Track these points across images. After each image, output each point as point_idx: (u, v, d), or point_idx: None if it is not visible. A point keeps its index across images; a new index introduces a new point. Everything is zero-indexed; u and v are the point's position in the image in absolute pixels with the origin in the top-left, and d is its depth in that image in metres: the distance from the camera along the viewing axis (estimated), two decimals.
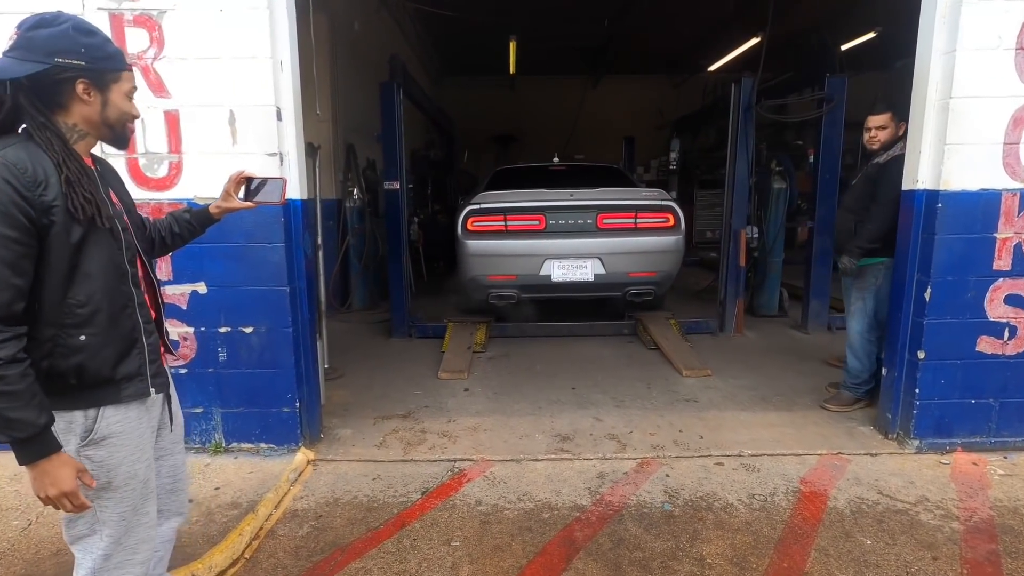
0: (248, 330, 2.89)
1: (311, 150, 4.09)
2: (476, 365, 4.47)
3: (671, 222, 4.68)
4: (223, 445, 3.00)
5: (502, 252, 4.67)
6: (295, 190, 2.88)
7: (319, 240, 4.14)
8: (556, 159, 5.89)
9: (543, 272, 4.63)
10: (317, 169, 4.10)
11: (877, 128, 3.41)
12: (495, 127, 14.50)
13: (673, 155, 9.63)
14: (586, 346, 4.96)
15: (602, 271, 4.64)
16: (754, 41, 10.51)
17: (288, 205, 2.83)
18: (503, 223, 4.68)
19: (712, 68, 12.79)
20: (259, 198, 1.73)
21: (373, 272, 6.64)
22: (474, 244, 4.70)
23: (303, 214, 2.95)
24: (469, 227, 4.71)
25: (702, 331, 5.29)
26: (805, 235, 5.92)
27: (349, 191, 6.37)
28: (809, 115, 5.05)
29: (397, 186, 5.00)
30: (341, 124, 6.38)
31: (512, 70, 12.26)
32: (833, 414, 3.47)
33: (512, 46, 10.24)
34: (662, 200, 4.73)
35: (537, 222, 4.69)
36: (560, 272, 4.62)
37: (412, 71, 7.73)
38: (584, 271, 4.61)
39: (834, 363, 4.28)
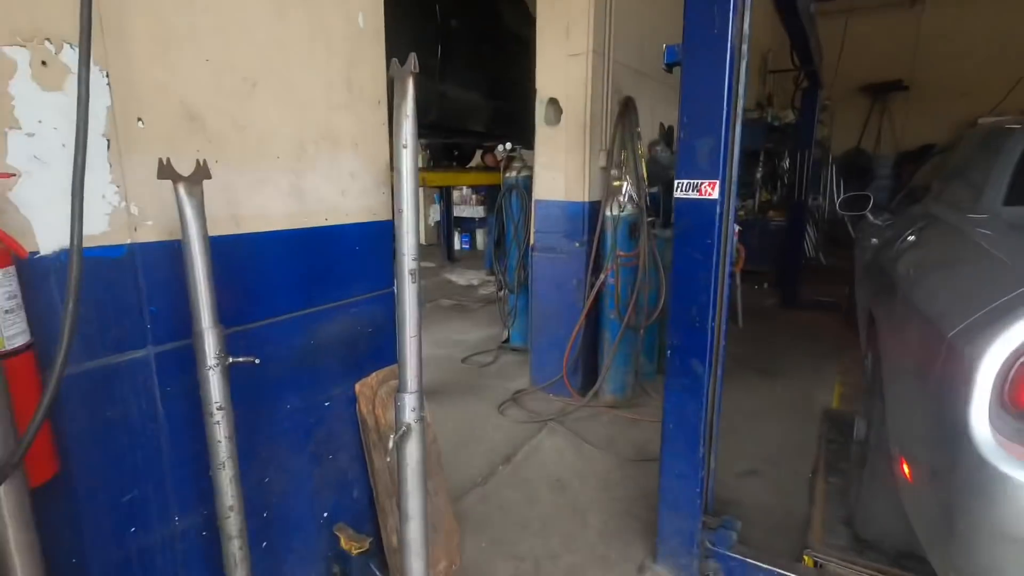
0: None
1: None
2: None
3: None
4: None
5: None
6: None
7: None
8: None
9: None
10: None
11: None
12: (872, 71, 9.54)
13: None
14: None
15: None
16: None
17: None
18: None
19: None
20: None
21: (647, 335, 3.64)
22: None
23: None
24: (1010, 403, 1.05)
25: None
26: None
27: (615, 186, 3.45)
28: None
29: (715, 194, 1.84)
30: (611, 60, 3.43)
31: None
32: None
33: None
34: None
35: None
36: None
37: None
38: None
39: None
